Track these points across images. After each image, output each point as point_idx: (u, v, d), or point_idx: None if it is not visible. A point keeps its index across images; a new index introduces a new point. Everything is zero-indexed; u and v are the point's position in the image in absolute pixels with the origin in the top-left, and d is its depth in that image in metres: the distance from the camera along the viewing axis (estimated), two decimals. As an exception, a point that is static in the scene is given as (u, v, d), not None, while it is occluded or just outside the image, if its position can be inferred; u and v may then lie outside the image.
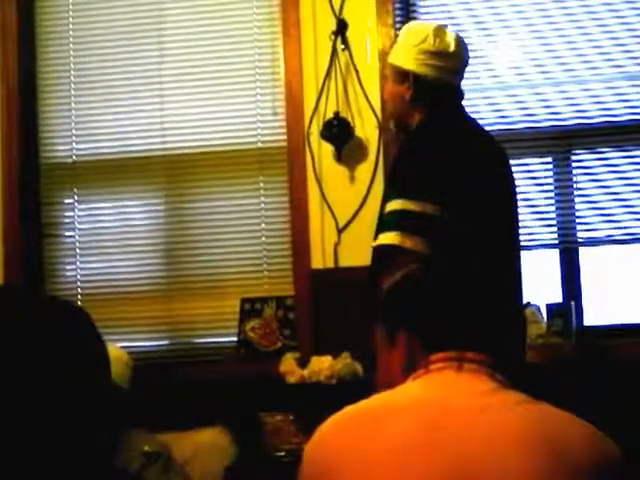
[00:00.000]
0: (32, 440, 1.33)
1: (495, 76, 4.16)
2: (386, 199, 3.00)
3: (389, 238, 2.89)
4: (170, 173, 4.35)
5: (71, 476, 1.37)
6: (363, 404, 1.64)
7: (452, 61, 3.15)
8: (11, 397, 1.33)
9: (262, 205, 4.25)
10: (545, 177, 4.10)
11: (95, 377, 1.41)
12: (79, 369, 1.39)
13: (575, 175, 4.07)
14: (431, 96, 3.13)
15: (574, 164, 4.08)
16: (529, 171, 4.09)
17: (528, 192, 4.05)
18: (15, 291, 1.51)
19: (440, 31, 3.13)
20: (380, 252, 2.92)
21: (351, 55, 4.11)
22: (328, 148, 4.11)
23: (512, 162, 3.84)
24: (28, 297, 1.45)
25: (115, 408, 1.48)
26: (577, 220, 4.05)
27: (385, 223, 2.95)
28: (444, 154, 2.99)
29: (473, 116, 3.38)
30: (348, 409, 1.63)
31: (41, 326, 1.39)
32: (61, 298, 1.54)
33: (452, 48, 3.12)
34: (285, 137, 4.21)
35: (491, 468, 1.47)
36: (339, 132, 4.07)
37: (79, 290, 4.34)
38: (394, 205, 2.93)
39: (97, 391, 1.41)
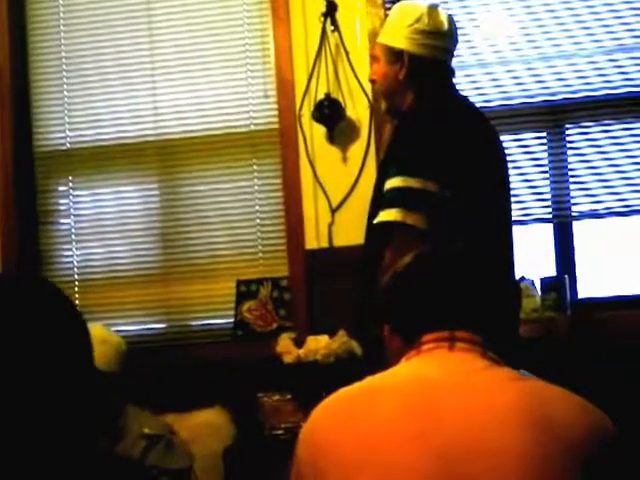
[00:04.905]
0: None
1: (495, 52, 4.15)
2: (385, 178, 2.97)
3: (391, 215, 2.87)
4: (164, 158, 4.36)
5: (55, 462, 1.38)
6: (355, 386, 1.65)
7: (445, 40, 3.15)
8: None
9: (256, 187, 4.26)
10: (539, 152, 4.10)
11: (72, 362, 1.42)
12: (54, 352, 1.40)
13: (569, 149, 4.07)
14: (425, 76, 3.12)
15: (568, 138, 4.08)
16: (523, 146, 4.09)
17: (522, 167, 4.06)
18: None
19: (433, 10, 3.13)
20: (382, 229, 2.90)
21: (341, 36, 4.11)
22: (320, 129, 4.12)
23: (507, 137, 3.89)
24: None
25: (95, 392, 1.48)
26: (571, 194, 4.05)
27: (386, 200, 2.92)
28: (442, 133, 2.98)
29: (472, 91, 3.38)
30: (341, 392, 1.65)
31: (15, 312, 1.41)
32: (43, 280, 1.55)
33: (445, 27, 3.13)
34: (277, 119, 4.21)
35: (485, 445, 1.48)
36: (330, 113, 4.07)
37: (76, 276, 4.36)
38: (395, 182, 2.90)
39: (73, 376, 1.41)
